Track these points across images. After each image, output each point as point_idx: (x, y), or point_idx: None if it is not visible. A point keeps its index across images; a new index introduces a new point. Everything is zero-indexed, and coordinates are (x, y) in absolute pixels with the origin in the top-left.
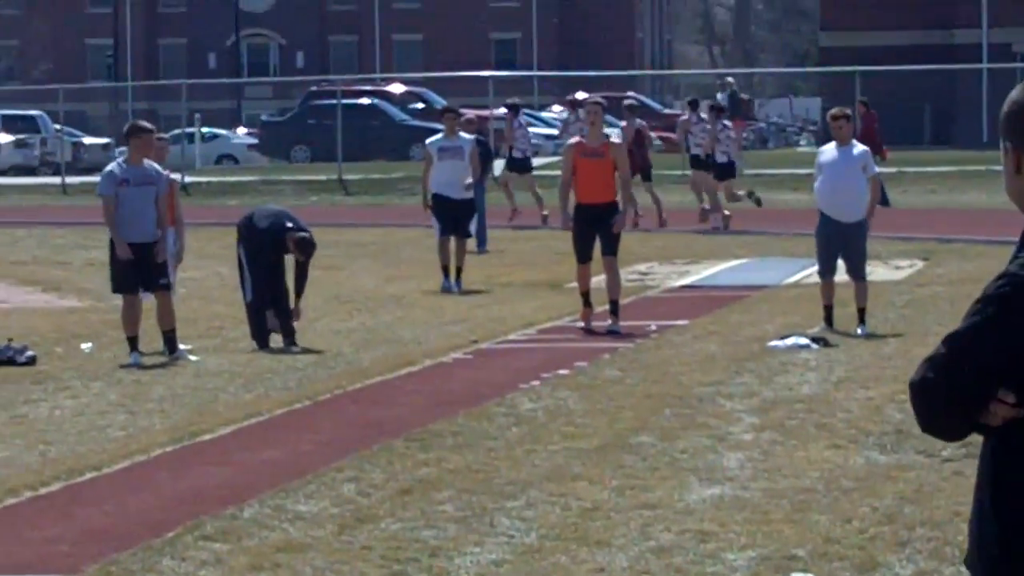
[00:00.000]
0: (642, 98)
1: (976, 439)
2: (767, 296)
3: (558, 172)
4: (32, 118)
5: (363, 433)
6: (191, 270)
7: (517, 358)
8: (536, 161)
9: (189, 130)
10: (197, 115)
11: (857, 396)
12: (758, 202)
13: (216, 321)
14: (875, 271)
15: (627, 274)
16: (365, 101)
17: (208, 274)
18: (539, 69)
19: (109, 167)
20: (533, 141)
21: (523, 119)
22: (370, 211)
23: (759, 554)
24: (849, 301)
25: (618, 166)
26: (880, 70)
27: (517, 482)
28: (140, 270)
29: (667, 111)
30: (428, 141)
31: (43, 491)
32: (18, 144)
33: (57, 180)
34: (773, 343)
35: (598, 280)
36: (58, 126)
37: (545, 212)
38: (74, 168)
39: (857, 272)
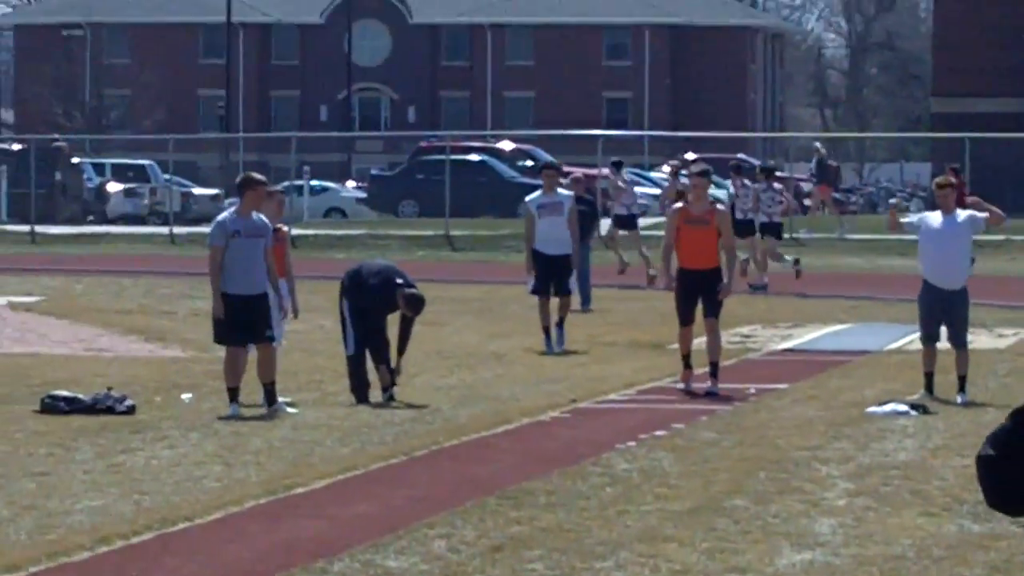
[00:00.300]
0: (751, 159)
1: None
2: (868, 361)
3: (663, 232)
4: (142, 167)
5: (457, 489)
6: (295, 323)
7: (615, 418)
8: (643, 221)
9: (298, 183)
10: (306, 167)
11: (953, 464)
12: (798, 273)
13: (317, 374)
14: (978, 339)
15: (729, 336)
16: (474, 157)
17: (311, 327)
18: (650, 129)
19: (220, 217)
20: (641, 200)
21: (627, 175)
22: (476, 267)
23: None
24: (951, 368)
25: (722, 234)
26: (990, 137)
27: (608, 543)
28: (246, 322)
29: (778, 173)
30: (528, 199)
31: (135, 540)
32: (128, 193)
33: (165, 230)
34: (872, 409)
35: (700, 342)
36: (168, 176)
37: (652, 271)
38: (182, 218)
39: (959, 339)
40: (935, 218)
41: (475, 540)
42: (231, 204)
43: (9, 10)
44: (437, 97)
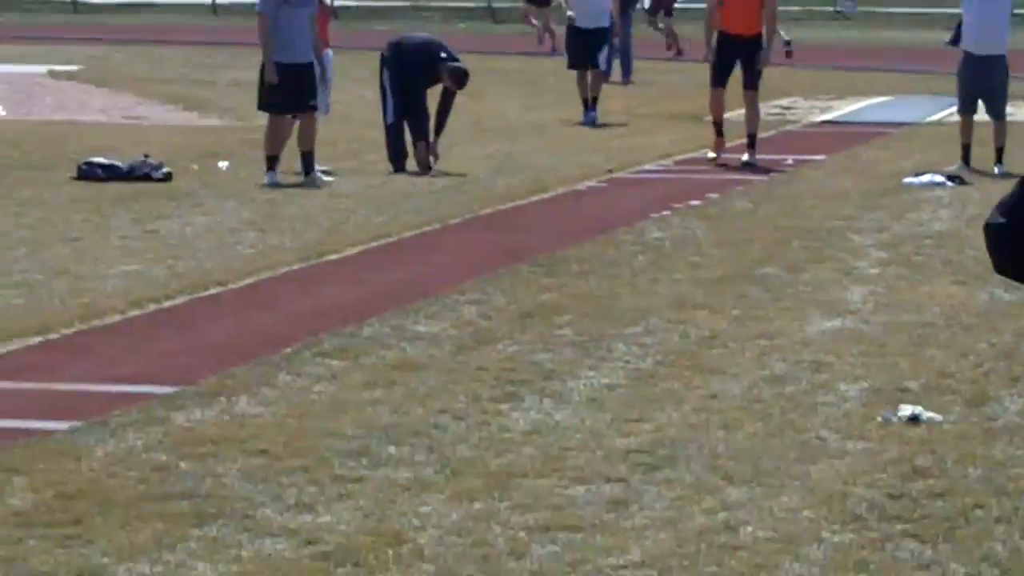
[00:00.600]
0: None
1: None
2: (907, 133)
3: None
4: None
5: (490, 257)
6: (335, 92)
7: (650, 188)
8: None
9: None
10: None
11: None
12: (788, 54)
13: (355, 144)
14: (1018, 111)
15: (768, 108)
16: None
17: (352, 97)
18: None
19: None
20: None
21: None
22: (517, 39)
23: (871, 385)
24: (988, 140)
25: (766, 1)
26: None
27: (638, 309)
28: (292, 90)
29: None
30: None
31: (167, 304)
32: None
33: (208, 0)
34: (908, 180)
35: (738, 114)
36: None
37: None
38: None
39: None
40: None
41: (505, 306)
42: None
43: None
44: None
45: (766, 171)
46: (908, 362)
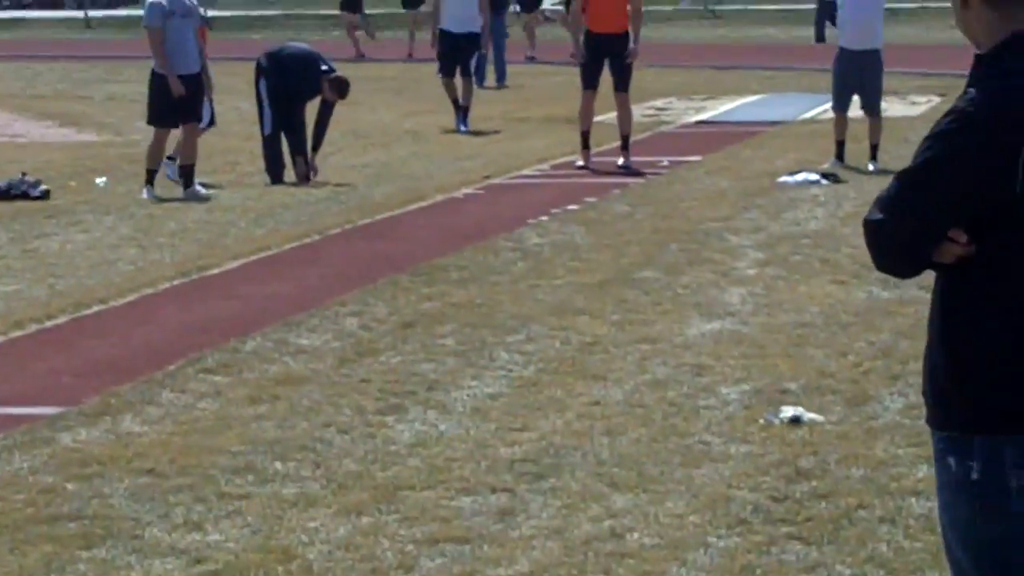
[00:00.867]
0: None
1: None
2: (781, 132)
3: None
4: None
5: (370, 267)
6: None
7: (528, 193)
8: None
9: None
10: None
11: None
12: None
13: (231, 156)
14: (891, 107)
15: (643, 109)
16: None
17: (227, 108)
18: None
19: None
20: None
21: None
22: (394, 46)
23: (752, 387)
24: (862, 137)
25: None
26: None
27: (519, 316)
28: (182, 102)
29: None
30: None
31: (49, 324)
32: None
33: (80, 14)
34: (783, 179)
35: (611, 117)
36: None
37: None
38: (98, 1)
39: (872, 107)
40: None
41: (386, 317)
42: None
43: None
44: None
45: (642, 173)
46: (788, 363)
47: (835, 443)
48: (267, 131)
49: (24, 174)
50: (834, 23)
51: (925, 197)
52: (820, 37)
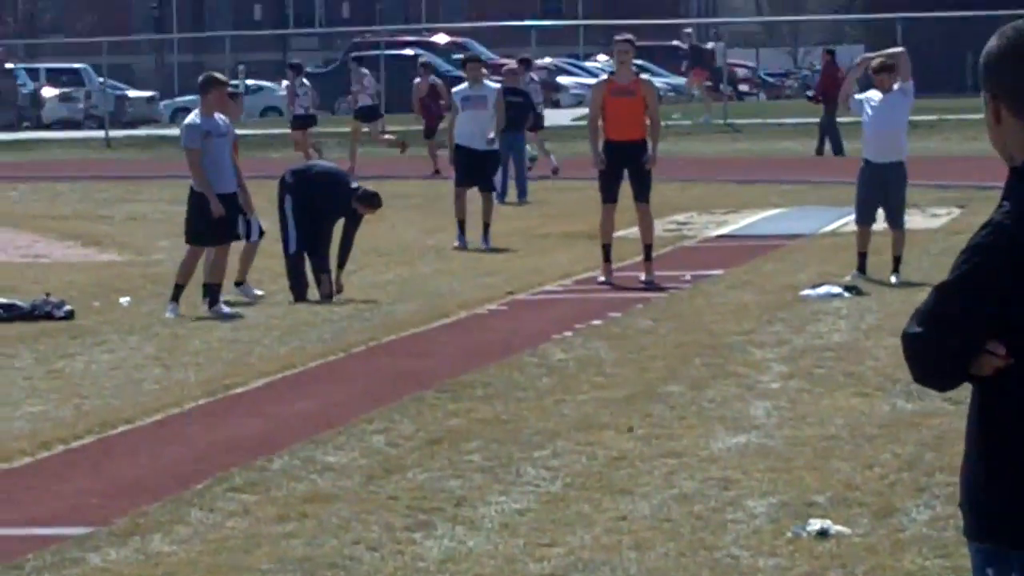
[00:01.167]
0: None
1: None
2: (803, 245)
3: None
4: (76, 71)
5: (395, 385)
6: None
7: (551, 309)
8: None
9: (234, 82)
10: (242, 67)
11: (886, 344)
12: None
13: (255, 274)
14: (912, 219)
15: (664, 224)
16: (408, 52)
17: None
18: (584, 18)
19: (189, 119)
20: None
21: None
22: (414, 163)
23: (779, 501)
24: (883, 249)
25: (648, 104)
26: (922, 17)
27: (545, 432)
28: (221, 221)
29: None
30: (453, 91)
31: (75, 444)
32: (63, 98)
33: (101, 134)
34: (806, 292)
35: (632, 231)
36: (102, 79)
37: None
38: (118, 122)
39: (896, 220)
40: (875, 94)
41: (413, 434)
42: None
43: None
44: None
45: (665, 288)
46: (814, 476)
47: (863, 555)
48: (291, 249)
49: (48, 295)
50: (833, 141)
51: (963, 310)
52: (820, 151)
